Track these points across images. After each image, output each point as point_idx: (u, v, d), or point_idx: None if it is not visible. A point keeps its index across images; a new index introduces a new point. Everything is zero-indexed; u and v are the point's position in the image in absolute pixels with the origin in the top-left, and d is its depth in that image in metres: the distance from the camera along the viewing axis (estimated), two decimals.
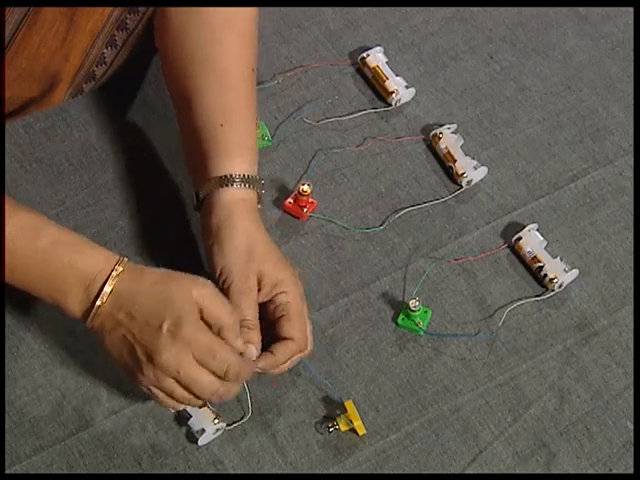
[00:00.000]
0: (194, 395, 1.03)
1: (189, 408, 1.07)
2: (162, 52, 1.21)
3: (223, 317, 1.03)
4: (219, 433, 1.08)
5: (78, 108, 1.29)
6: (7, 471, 1.06)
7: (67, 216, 1.22)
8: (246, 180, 1.12)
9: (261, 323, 1.08)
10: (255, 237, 1.11)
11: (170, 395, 1.03)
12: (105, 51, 1.21)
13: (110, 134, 1.28)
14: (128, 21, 1.19)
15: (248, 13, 1.20)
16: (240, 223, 1.11)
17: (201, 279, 1.04)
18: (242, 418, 1.09)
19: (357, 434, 1.08)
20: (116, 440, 1.08)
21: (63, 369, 1.11)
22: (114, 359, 1.04)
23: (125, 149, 1.27)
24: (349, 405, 1.09)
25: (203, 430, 1.07)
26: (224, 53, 1.17)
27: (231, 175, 1.12)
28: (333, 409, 1.10)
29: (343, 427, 1.08)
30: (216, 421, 1.07)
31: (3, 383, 1.10)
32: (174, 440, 1.08)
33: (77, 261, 1.03)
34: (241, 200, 1.12)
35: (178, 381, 1.02)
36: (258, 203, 1.15)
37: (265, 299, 1.09)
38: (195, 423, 1.08)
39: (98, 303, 1.02)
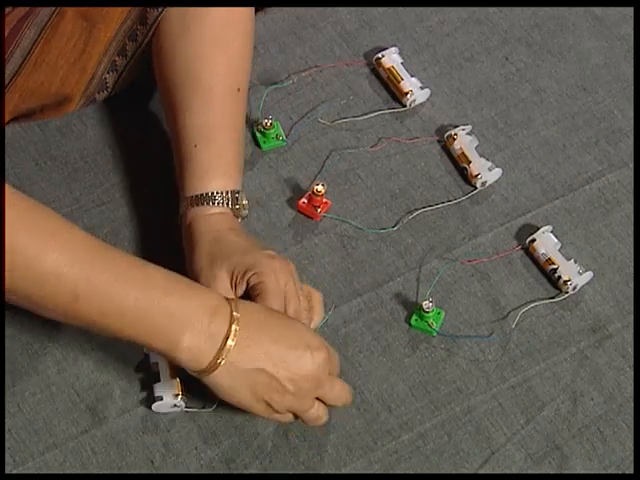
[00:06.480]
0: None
1: (162, 372, 1.09)
2: (155, 70, 1.22)
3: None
4: (176, 409, 1.08)
5: (93, 107, 1.29)
6: (20, 469, 1.07)
7: (81, 214, 1.22)
8: (214, 198, 1.13)
9: None
10: (219, 242, 1.11)
11: (304, 413, 1.05)
12: (116, 59, 1.21)
13: (125, 132, 1.28)
14: (138, 32, 1.20)
15: (241, 30, 1.19)
16: (203, 236, 1.11)
17: None
18: (203, 407, 1.09)
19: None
20: (129, 438, 1.09)
21: (76, 367, 1.12)
22: (240, 396, 1.02)
23: (140, 147, 1.27)
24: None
25: (161, 398, 1.08)
26: (208, 73, 1.17)
27: (200, 195, 1.13)
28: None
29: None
30: (179, 397, 1.08)
31: (3, 383, 1.10)
32: (187, 438, 1.09)
33: (192, 299, 1.00)
34: (209, 216, 1.13)
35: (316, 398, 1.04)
36: (237, 215, 1.15)
37: (244, 287, 1.09)
38: (158, 388, 1.08)
39: (230, 342, 0.99)
